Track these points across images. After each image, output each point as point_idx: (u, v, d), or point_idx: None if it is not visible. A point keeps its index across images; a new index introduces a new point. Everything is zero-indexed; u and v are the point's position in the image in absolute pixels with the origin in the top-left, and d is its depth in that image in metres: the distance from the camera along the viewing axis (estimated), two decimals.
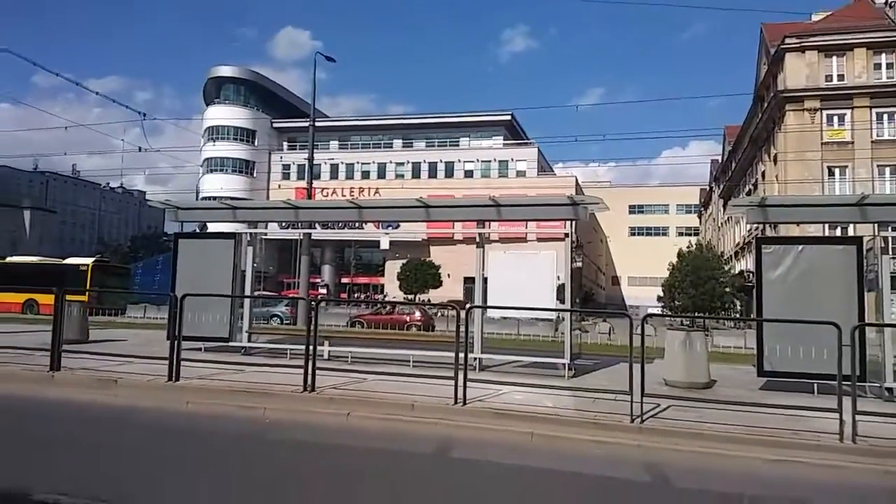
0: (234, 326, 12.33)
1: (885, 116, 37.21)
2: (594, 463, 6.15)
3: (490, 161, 66.01)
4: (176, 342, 8.73)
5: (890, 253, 9.76)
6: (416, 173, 66.99)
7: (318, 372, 8.32)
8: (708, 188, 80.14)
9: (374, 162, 69.11)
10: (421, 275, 53.74)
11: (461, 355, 7.81)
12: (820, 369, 8.49)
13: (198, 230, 16.69)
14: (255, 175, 69.70)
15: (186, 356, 9.37)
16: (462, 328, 8.16)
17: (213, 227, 17.93)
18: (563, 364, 10.52)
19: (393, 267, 58.50)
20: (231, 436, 6.82)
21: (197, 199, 54.24)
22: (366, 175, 68.61)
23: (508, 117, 68.22)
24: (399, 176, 66.85)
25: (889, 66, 37.65)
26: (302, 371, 8.27)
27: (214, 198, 54.80)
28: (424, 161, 67.78)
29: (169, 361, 8.70)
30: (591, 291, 73.53)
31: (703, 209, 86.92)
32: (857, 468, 5.95)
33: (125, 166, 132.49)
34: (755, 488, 5.53)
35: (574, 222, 11.22)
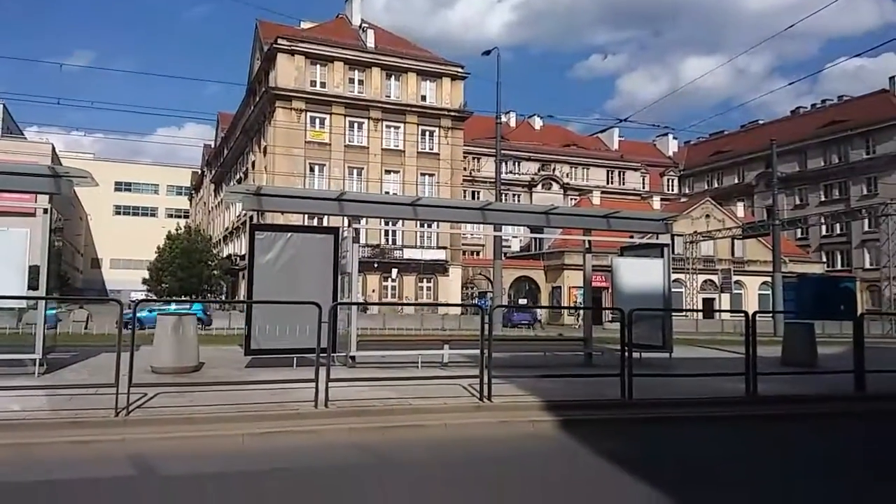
0: None
1: (356, 125, 44.08)
2: (72, 466, 5.44)
3: None
4: None
5: (359, 242, 11.53)
6: None
7: None
8: (200, 172, 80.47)
9: None
10: None
11: None
12: (301, 344, 9.40)
13: None
14: None
15: None
16: None
17: None
18: (34, 360, 8.96)
19: None
20: None
21: None
22: None
23: None
24: None
25: (360, 82, 44.60)
26: None
27: None
28: None
29: None
30: (66, 275, 65.25)
31: (194, 192, 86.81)
32: (329, 429, 6.80)
33: None
34: (238, 464, 5.74)
35: (51, 197, 9.66)
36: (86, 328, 20.27)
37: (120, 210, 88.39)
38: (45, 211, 9.39)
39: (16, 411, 6.57)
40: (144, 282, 54.00)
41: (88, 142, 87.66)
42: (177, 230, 52.31)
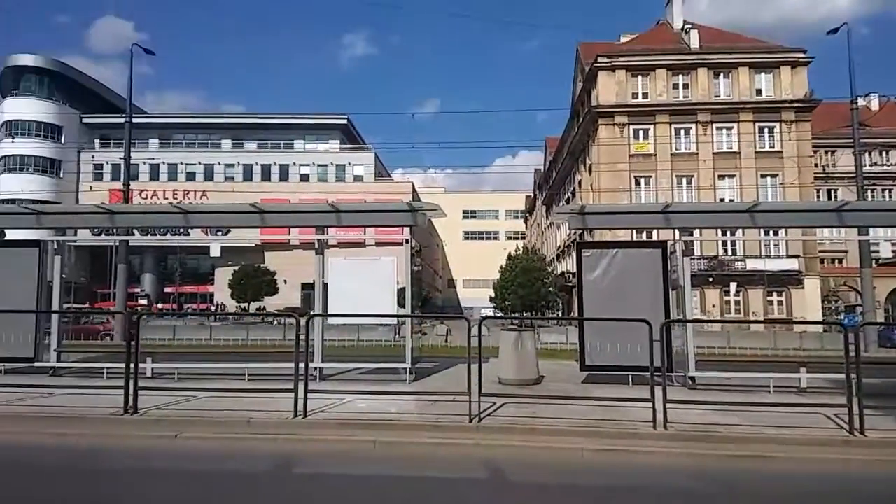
0: (41, 345, 11.02)
1: (682, 132, 42.07)
2: (435, 465, 6.27)
3: (327, 165, 64.94)
4: None
5: (691, 255, 11.00)
6: (247, 176, 64.02)
7: (140, 392, 7.66)
8: (532, 195, 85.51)
9: (199, 162, 64.82)
10: (255, 282, 51.65)
11: (301, 365, 7.60)
12: (634, 362, 9.31)
13: None
14: (62, 175, 62.48)
15: None
16: (302, 337, 7.93)
17: (12, 234, 15.90)
18: (405, 368, 10.61)
19: (224, 274, 55.59)
20: (41, 467, 6.05)
21: None
22: (191, 176, 64.17)
23: (345, 121, 67.74)
24: (229, 178, 63.35)
25: (685, 86, 42.57)
26: (122, 392, 7.55)
27: (13, 200, 48.60)
28: (256, 163, 65.00)
29: None
30: (429, 294, 75.21)
31: (528, 215, 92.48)
32: (668, 452, 6.60)
33: None
34: (583, 478, 5.94)
35: (412, 228, 11.38)
36: (446, 341, 23.12)
37: (468, 235, 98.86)
38: (407, 241, 11.11)
39: (393, 413, 7.87)
40: (491, 299, 58.91)
41: (440, 177, 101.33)
42: (515, 251, 56.37)
